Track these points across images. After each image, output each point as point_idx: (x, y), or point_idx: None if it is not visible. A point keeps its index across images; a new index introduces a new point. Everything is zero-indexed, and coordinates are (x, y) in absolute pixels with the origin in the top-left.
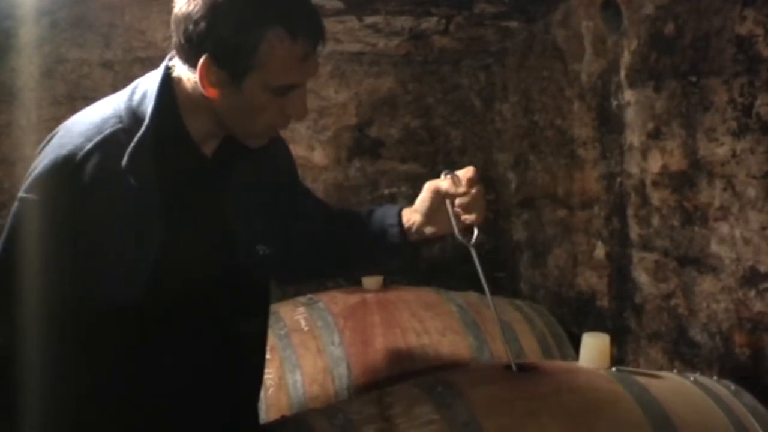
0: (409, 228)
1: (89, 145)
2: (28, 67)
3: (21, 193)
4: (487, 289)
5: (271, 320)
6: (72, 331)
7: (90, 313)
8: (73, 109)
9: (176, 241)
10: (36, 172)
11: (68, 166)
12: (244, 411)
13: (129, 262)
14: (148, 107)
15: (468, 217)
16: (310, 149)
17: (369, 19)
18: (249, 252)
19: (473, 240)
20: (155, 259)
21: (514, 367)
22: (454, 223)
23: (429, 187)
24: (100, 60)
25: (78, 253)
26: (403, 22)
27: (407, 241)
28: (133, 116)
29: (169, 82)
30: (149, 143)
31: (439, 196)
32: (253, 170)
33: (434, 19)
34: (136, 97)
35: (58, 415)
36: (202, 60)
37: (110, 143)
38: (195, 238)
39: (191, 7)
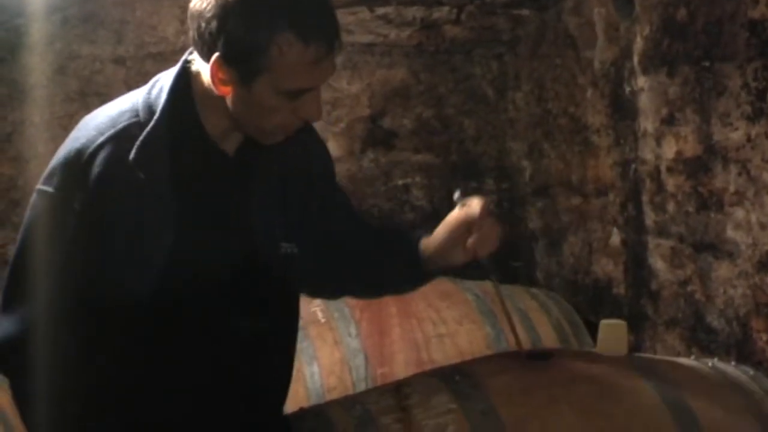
0: (429, 258)
1: (101, 138)
2: (40, 64)
3: (38, 185)
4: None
5: None
6: (85, 323)
7: (103, 306)
8: (86, 106)
9: (192, 237)
10: (51, 164)
11: (80, 158)
12: (268, 412)
13: (140, 256)
14: (162, 101)
15: (481, 252)
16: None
17: (380, 10)
18: (272, 250)
19: (488, 265)
20: (169, 254)
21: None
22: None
23: (450, 218)
24: (112, 56)
25: (90, 245)
26: (415, 12)
27: (428, 272)
28: (149, 110)
29: (185, 77)
30: (161, 137)
31: (461, 225)
32: (283, 168)
33: (445, 8)
34: (154, 92)
35: (72, 407)
36: (213, 58)
37: (123, 137)
38: (213, 234)
39: (204, 5)
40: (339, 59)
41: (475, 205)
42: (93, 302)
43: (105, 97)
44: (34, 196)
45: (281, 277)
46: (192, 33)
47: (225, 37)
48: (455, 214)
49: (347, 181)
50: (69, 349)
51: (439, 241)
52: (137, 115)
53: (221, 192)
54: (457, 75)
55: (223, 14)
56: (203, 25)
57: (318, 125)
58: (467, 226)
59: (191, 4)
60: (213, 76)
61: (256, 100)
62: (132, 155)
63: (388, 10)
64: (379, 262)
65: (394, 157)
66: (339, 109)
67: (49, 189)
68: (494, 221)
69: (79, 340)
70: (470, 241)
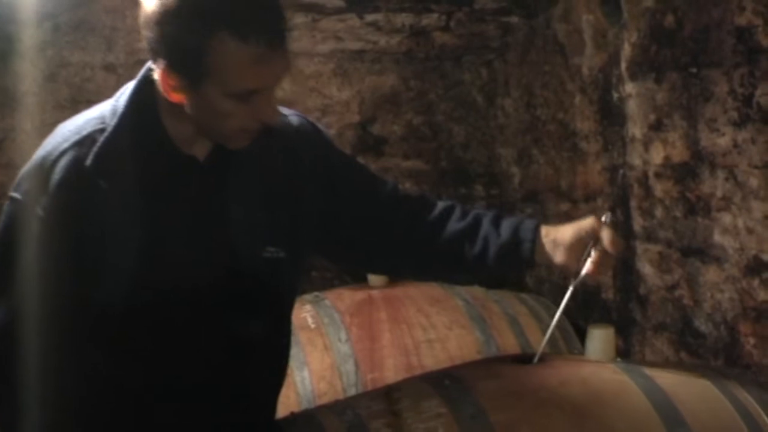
0: (542, 247)
1: (65, 145)
2: (31, 71)
3: (10, 192)
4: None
5: None
6: (56, 330)
7: (75, 314)
8: (77, 113)
9: (161, 244)
10: (21, 171)
11: (45, 165)
12: (258, 417)
13: (105, 262)
14: (122, 107)
15: (594, 271)
16: None
17: (370, 17)
18: (253, 255)
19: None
20: (137, 260)
21: (536, 359)
22: (586, 267)
23: (586, 225)
24: (102, 63)
25: (55, 251)
26: (404, 19)
27: (533, 259)
28: (114, 117)
29: (148, 83)
30: (121, 143)
31: (589, 238)
32: (261, 169)
33: (435, 15)
34: (121, 99)
35: (50, 413)
36: (160, 66)
37: (86, 144)
38: (184, 241)
39: (148, 12)
40: (330, 66)
41: (608, 232)
42: (65, 309)
43: (96, 104)
44: (6, 203)
45: (267, 281)
46: (144, 41)
47: (166, 43)
48: (598, 223)
49: None
50: (44, 354)
51: (569, 236)
52: (103, 122)
53: (192, 198)
54: (446, 82)
55: (163, 20)
56: (148, 32)
57: None
58: (601, 244)
59: (140, 12)
60: (163, 83)
61: (209, 105)
62: (89, 162)
63: (377, 17)
64: (472, 239)
65: (384, 163)
66: (329, 116)
67: (17, 195)
68: (619, 250)
69: (56, 344)
70: (594, 256)
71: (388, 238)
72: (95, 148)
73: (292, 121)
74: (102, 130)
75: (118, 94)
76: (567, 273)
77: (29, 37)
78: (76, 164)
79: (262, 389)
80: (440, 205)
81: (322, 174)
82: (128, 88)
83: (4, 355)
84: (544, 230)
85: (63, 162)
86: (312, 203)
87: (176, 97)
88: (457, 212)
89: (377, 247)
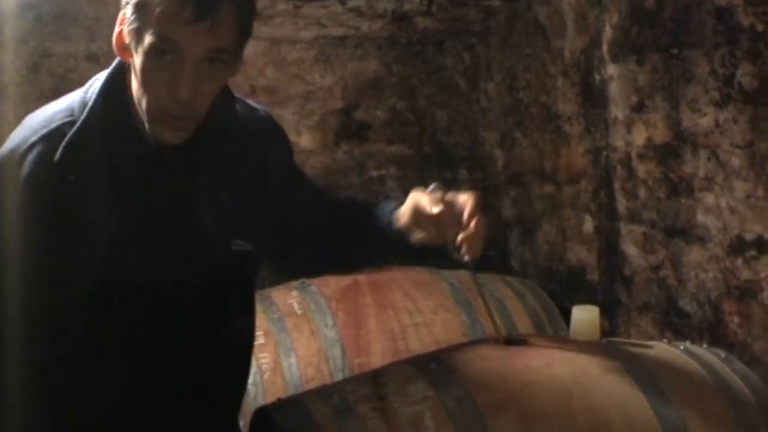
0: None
1: (33, 138)
2: (14, 62)
3: None
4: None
5: (264, 305)
6: (28, 323)
7: (46, 307)
8: None
9: (130, 236)
10: None
11: (12, 158)
12: (221, 413)
13: (74, 256)
14: (93, 98)
15: (464, 252)
16: (298, 134)
17: (352, 3)
18: (222, 248)
19: (467, 259)
20: (106, 255)
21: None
22: (450, 246)
23: (411, 201)
24: (85, 53)
25: (24, 245)
26: (386, 4)
27: (403, 240)
28: (83, 109)
29: (120, 72)
30: (91, 135)
31: (419, 214)
32: (229, 162)
33: (416, 0)
34: (90, 90)
35: (14, 408)
36: (120, 15)
37: (54, 136)
38: (154, 233)
39: None
40: (312, 53)
41: (464, 200)
42: (35, 302)
43: None
44: None
45: (235, 274)
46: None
47: None
48: (424, 195)
49: (322, 173)
50: (16, 345)
51: (405, 218)
52: (72, 114)
53: (160, 192)
54: (429, 66)
55: None
56: None
57: (292, 119)
58: (431, 217)
59: None
60: (117, 40)
61: (138, 66)
62: (57, 155)
63: (359, 2)
64: (364, 229)
65: (368, 148)
66: (312, 103)
67: None
68: (483, 221)
69: (27, 337)
70: (460, 238)
71: (324, 239)
72: (64, 142)
73: (260, 114)
74: (71, 123)
75: (87, 84)
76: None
77: (11, 28)
78: (44, 158)
79: (227, 381)
80: (350, 203)
81: (281, 169)
82: (99, 78)
83: None
84: (399, 213)
85: (31, 156)
86: (268, 198)
87: (126, 56)
88: (362, 206)
89: (315, 246)
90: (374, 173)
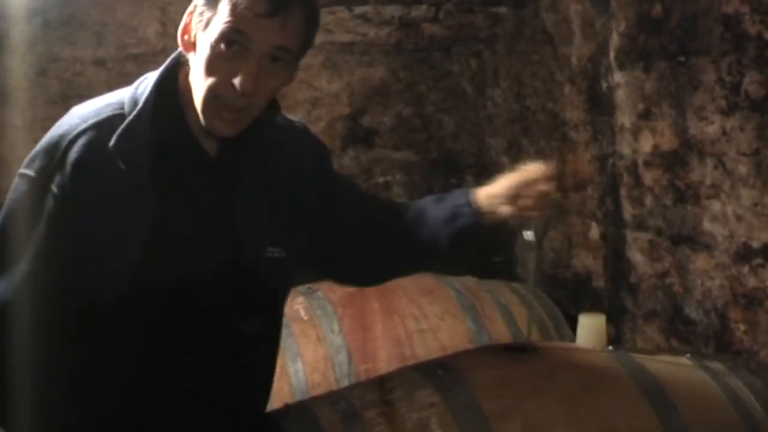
0: (481, 206)
1: (84, 125)
2: (21, 66)
3: (20, 169)
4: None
5: None
6: (62, 310)
7: (79, 294)
8: (68, 108)
9: (168, 234)
10: (35, 149)
11: (61, 143)
12: (250, 413)
13: (115, 246)
14: (146, 94)
15: (534, 213)
16: None
17: (359, 9)
18: (256, 254)
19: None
20: (144, 247)
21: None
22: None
23: (515, 173)
24: (92, 58)
25: (66, 230)
26: (393, 10)
27: (480, 222)
28: (134, 105)
29: (173, 70)
30: (143, 128)
31: (522, 183)
32: (269, 169)
33: (423, 6)
34: (141, 87)
35: (45, 398)
36: (190, 9)
37: (105, 126)
38: (190, 233)
39: None
40: (319, 59)
41: (534, 169)
42: (69, 290)
43: (86, 99)
44: (15, 180)
45: (267, 281)
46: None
47: None
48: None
49: None
50: (44, 335)
51: (503, 187)
52: (122, 108)
53: (201, 192)
54: (436, 73)
55: None
56: None
57: None
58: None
59: None
60: (183, 33)
61: (202, 56)
62: (112, 142)
63: (366, 9)
64: (419, 227)
65: (375, 154)
66: (319, 108)
67: (30, 173)
68: (551, 188)
69: (56, 327)
70: (522, 202)
71: (368, 248)
72: (119, 130)
73: (297, 126)
74: (121, 116)
75: (137, 83)
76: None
77: (19, 32)
78: (95, 144)
79: (254, 384)
80: (396, 205)
81: (319, 182)
82: (149, 77)
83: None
84: (479, 192)
85: (81, 141)
86: (309, 208)
87: (189, 48)
88: (407, 206)
89: (358, 255)
90: (381, 179)
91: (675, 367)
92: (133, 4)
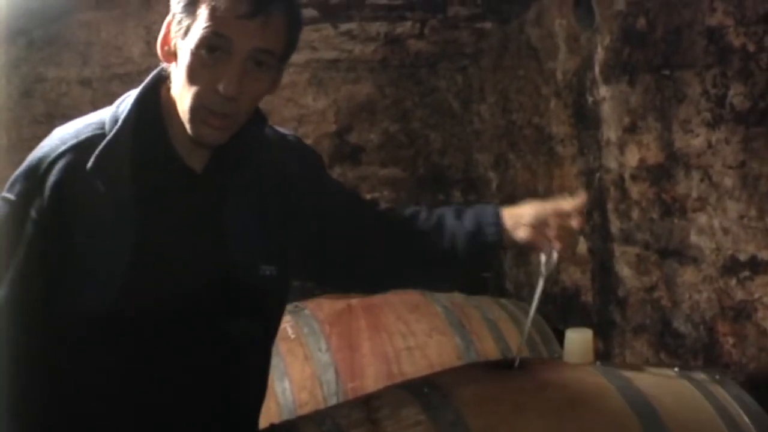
0: (505, 227)
1: (63, 147)
2: (6, 87)
3: (2, 193)
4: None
5: None
6: (46, 330)
7: (64, 315)
8: (53, 128)
9: (153, 255)
10: (16, 172)
11: (41, 167)
12: (241, 427)
13: (97, 267)
14: (126, 112)
15: (557, 244)
16: None
17: (344, 26)
18: (249, 273)
19: (546, 267)
20: (129, 267)
21: (516, 363)
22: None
23: (547, 201)
24: (78, 78)
25: (47, 253)
26: (378, 27)
27: (500, 241)
28: (114, 123)
29: (155, 85)
30: (123, 147)
31: (550, 212)
32: (259, 185)
33: (409, 23)
34: (122, 105)
35: (30, 417)
36: (168, 19)
37: (84, 146)
38: (176, 251)
39: None
40: (305, 76)
41: (568, 202)
42: (52, 311)
43: (72, 119)
44: None
45: (259, 298)
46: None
47: None
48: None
49: None
50: (28, 354)
51: (531, 213)
52: (102, 128)
53: (186, 209)
54: (422, 89)
55: None
56: None
57: None
58: (564, 215)
59: None
60: (162, 42)
61: (183, 64)
62: (90, 163)
63: (351, 26)
64: (437, 236)
65: (362, 171)
66: (305, 126)
67: (10, 196)
68: (580, 224)
69: (36, 350)
70: (548, 231)
71: (370, 255)
72: (97, 151)
73: (290, 139)
74: (102, 135)
75: (118, 102)
76: (534, 251)
77: (3, 53)
78: (74, 166)
79: (245, 400)
80: (408, 212)
81: (313, 190)
82: (130, 95)
83: None
84: (506, 211)
85: (60, 164)
86: (301, 222)
87: (169, 59)
88: (423, 215)
89: (359, 263)
90: (368, 196)
91: (663, 380)
92: (118, 24)
